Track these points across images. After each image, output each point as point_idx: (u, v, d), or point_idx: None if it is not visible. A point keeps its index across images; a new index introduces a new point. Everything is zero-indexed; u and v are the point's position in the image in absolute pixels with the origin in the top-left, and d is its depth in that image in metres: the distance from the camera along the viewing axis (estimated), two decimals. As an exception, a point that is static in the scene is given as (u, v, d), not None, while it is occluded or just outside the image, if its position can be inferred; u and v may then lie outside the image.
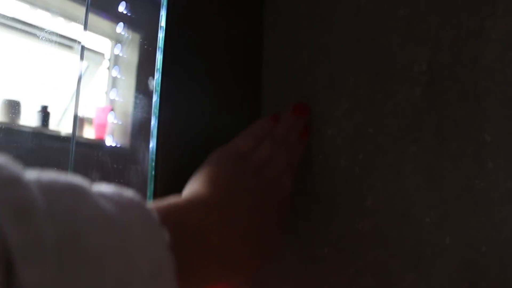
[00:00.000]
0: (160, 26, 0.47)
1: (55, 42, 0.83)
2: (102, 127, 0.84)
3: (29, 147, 0.69)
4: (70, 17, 0.81)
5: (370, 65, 0.52)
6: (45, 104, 0.93)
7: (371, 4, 0.52)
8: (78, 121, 0.88)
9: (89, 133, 0.73)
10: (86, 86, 0.87)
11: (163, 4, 0.47)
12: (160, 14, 0.47)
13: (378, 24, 0.52)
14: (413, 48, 0.50)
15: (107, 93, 0.84)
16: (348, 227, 0.50)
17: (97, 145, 0.51)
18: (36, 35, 0.85)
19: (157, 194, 0.43)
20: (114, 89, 0.50)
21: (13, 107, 0.88)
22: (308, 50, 0.55)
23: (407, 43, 0.50)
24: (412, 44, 0.50)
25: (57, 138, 0.79)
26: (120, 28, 0.52)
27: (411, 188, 0.47)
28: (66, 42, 0.86)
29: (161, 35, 0.46)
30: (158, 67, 0.45)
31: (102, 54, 0.84)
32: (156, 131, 0.44)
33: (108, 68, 0.86)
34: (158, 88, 0.44)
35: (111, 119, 0.49)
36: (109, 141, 0.48)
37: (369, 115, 0.51)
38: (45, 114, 0.92)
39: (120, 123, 0.47)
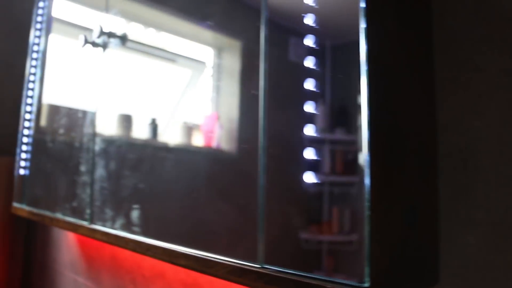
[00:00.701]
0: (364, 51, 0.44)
1: (159, 56, 0.87)
2: (209, 134, 0.85)
3: (145, 158, 0.72)
4: (171, 31, 0.84)
5: None
6: (153, 116, 0.96)
7: None
8: (187, 130, 0.91)
9: (198, 140, 0.77)
10: (190, 94, 0.89)
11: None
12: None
13: None
14: None
15: (212, 100, 0.85)
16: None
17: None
18: (141, 51, 0.88)
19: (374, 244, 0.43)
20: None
21: (126, 121, 0.92)
22: (488, 75, 0.53)
23: None
24: None
25: (166, 149, 0.82)
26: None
27: None
28: (168, 55, 0.89)
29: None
30: (364, 102, 0.44)
31: (203, 63, 0.86)
32: (368, 166, 0.43)
33: (212, 76, 0.88)
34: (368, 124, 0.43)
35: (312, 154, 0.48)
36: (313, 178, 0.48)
37: None
38: (154, 126, 0.95)
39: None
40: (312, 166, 0.49)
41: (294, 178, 0.50)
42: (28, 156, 1.20)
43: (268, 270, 0.52)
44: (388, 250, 0.47)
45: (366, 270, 0.43)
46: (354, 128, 0.45)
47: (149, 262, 1.01)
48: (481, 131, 0.53)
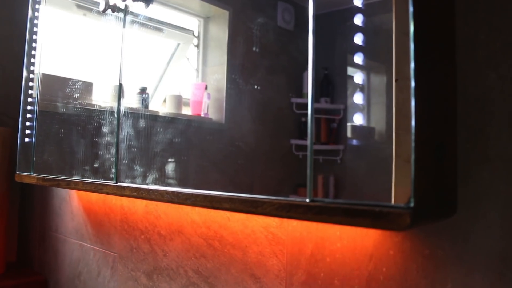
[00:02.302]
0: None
1: (147, 25, 0.92)
2: (198, 104, 0.92)
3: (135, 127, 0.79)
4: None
5: None
6: (143, 86, 1.01)
7: None
8: (178, 100, 0.97)
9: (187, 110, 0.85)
10: (177, 64, 0.95)
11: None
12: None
13: None
14: None
15: (197, 69, 0.91)
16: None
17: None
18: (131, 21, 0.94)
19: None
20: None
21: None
22: (504, 34, 0.62)
23: None
24: None
25: (157, 117, 0.87)
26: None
27: None
28: (156, 25, 0.95)
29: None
30: (412, 56, 0.52)
31: (191, 31, 0.92)
32: (414, 113, 0.51)
33: (197, 46, 0.94)
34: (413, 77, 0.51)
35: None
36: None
37: None
38: (144, 95, 0.99)
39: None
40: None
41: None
42: (32, 124, 1.21)
43: (317, 202, 0.59)
44: (425, 179, 0.55)
45: (412, 194, 0.52)
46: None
47: (165, 220, 1.07)
48: (495, 82, 0.62)
